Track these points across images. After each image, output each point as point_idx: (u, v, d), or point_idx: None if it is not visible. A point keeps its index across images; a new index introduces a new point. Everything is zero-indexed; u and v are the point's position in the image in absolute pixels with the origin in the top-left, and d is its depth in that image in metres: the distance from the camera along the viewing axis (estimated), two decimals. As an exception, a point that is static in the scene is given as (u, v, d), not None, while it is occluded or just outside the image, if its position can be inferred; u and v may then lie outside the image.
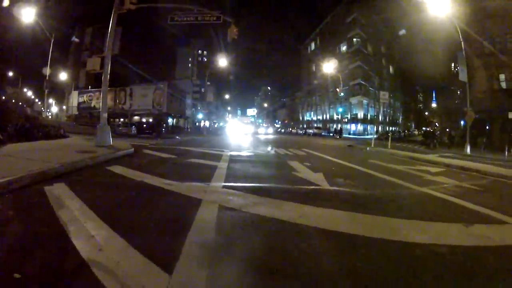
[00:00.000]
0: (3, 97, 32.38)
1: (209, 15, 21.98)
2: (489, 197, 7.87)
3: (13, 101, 42.25)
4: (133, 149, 14.85)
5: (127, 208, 5.42)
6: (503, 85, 39.51)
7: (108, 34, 16.73)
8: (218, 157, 14.09)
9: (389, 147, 26.83)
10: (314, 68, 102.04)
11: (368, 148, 25.52)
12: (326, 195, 7.06)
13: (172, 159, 13.10)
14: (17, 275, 2.84)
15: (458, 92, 51.36)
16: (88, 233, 3.95)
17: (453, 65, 52.66)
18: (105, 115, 16.99)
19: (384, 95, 33.63)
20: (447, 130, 55.37)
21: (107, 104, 50.92)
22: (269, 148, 21.45)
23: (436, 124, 68.79)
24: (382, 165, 13.79)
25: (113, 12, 16.65)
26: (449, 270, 3.38)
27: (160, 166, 11.00)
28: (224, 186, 7.40)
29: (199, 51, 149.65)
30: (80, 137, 21.62)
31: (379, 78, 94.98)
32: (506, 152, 25.78)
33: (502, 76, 39.50)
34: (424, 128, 76.63)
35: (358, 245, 3.98)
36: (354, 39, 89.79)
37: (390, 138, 32.18)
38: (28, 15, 31.36)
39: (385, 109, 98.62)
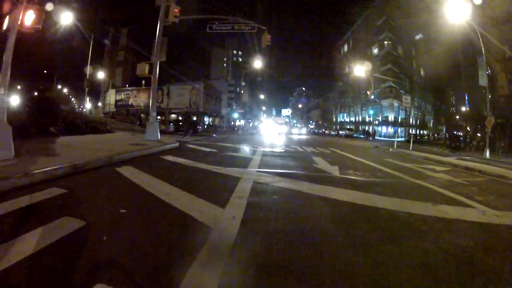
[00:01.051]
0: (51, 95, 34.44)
1: (244, 24, 24.10)
2: (472, 190, 9.36)
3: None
4: (178, 143, 17.13)
5: (187, 181, 7.62)
6: None
7: (156, 43, 19.08)
8: (253, 152, 16.54)
9: (410, 148, 28.33)
10: (347, 70, 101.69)
11: (390, 149, 26.96)
12: (333, 179, 9.25)
13: (213, 152, 15.23)
14: (122, 210, 5.01)
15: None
16: (165, 191, 6.34)
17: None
18: (154, 114, 19.31)
19: (406, 99, 34.79)
20: (476, 134, 55.66)
21: (144, 102, 53.14)
22: (298, 146, 23.38)
23: (468, 128, 68.75)
24: (393, 163, 15.58)
25: (158, 24, 19.06)
26: (402, 225, 5.31)
27: (204, 157, 13.15)
28: (258, 171, 9.79)
29: (234, 51, 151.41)
30: (124, 133, 23.44)
31: (410, 81, 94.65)
32: None
33: None
34: (454, 132, 76.37)
35: (344, 206, 6.14)
36: (385, 42, 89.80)
37: (411, 141, 33.39)
38: (67, 17, 32.49)
39: (416, 112, 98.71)
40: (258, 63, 37.81)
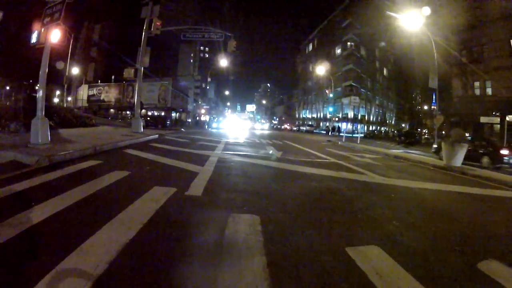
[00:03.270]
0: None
1: (213, 32, 27.84)
2: (379, 167, 13.33)
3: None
4: (158, 135, 20.73)
5: (177, 157, 11.33)
6: (477, 92, 43.02)
7: (140, 51, 22.70)
8: (218, 141, 20.49)
9: (358, 142, 32.64)
10: (310, 68, 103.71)
11: (339, 143, 30.68)
12: (271, 157, 13.57)
13: (188, 142, 18.90)
14: (147, 167, 8.69)
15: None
16: (166, 161, 10.20)
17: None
18: (139, 110, 22.98)
19: (354, 99, 38.77)
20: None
21: (115, 97, 55.43)
22: (256, 139, 27.37)
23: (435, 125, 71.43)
24: (331, 151, 19.73)
25: (143, 35, 22.70)
26: (303, 176, 9.40)
27: (182, 145, 16.88)
28: (222, 152, 13.93)
29: (201, 47, 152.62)
30: (108, 127, 26.07)
31: (372, 80, 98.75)
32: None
33: (476, 84, 42.90)
34: (419, 129, 79.64)
35: (274, 169, 10.29)
36: (348, 43, 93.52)
37: (359, 136, 37.34)
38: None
39: (377, 110, 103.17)
40: (224, 61, 41.09)
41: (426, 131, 69.93)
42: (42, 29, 11.68)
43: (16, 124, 15.75)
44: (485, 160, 20.67)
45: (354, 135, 67.22)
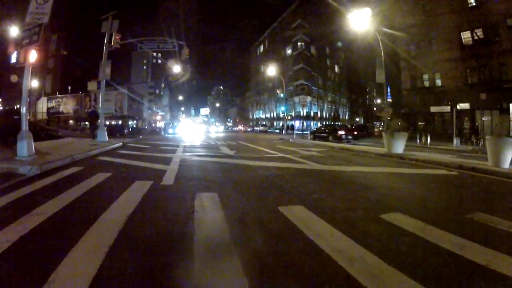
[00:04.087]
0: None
1: (167, 43, 29.69)
2: (321, 158, 15.58)
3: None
4: (121, 143, 22.26)
5: (144, 159, 13.13)
6: (426, 84, 45.70)
7: (102, 64, 24.29)
8: (177, 145, 22.41)
9: (309, 138, 35.37)
10: (262, 69, 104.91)
11: (290, 140, 33.42)
12: (228, 156, 15.65)
13: (149, 147, 20.72)
14: (123, 169, 10.58)
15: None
16: (137, 164, 12.01)
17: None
18: (103, 121, 24.52)
19: (303, 98, 41.46)
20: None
21: (73, 109, 56.24)
22: (212, 141, 29.39)
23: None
24: (281, 148, 22.13)
25: (104, 49, 24.30)
26: (250, 168, 11.53)
27: (146, 150, 18.75)
28: (182, 154, 15.94)
29: (153, 54, 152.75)
30: (73, 138, 26.82)
31: (323, 78, 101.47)
32: (418, 140, 31.40)
33: (425, 76, 45.58)
34: (374, 123, 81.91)
35: (228, 165, 12.33)
36: (298, 43, 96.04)
37: (309, 133, 40.36)
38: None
39: (329, 106, 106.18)
40: (177, 68, 40.92)
41: (381, 124, 72.61)
42: (21, 50, 13.27)
43: None
44: (330, 138, 32.14)
45: (306, 133, 69.78)
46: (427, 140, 29.72)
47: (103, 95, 25.20)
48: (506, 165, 12.12)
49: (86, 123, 64.53)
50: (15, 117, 20.73)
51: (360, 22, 26.00)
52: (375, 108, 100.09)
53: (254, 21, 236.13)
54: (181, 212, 5.69)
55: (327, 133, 34.57)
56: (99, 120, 24.97)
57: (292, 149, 21.17)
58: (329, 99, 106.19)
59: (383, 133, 19.15)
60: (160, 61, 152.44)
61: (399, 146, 17.80)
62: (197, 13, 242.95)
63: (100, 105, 25.64)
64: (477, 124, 36.48)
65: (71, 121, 70.65)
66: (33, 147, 12.53)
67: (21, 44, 13.07)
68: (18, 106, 60.13)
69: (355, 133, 36.15)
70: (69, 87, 76.45)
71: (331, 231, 4.69)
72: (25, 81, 13.23)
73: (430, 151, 21.58)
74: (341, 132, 33.42)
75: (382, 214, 5.63)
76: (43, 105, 74.90)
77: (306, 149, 21.09)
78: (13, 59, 14.01)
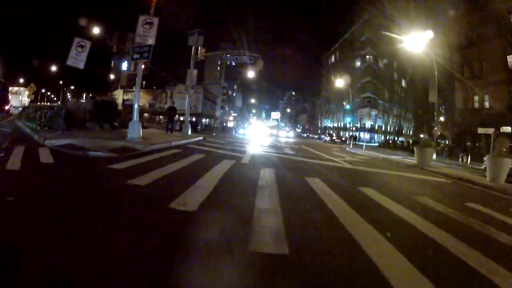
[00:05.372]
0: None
1: (245, 56, 34.25)
2: (355, 162, 19.45)
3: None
4: (202, 137, 26.92)
5: (225, 149, 17.60)
6: (476, 105, 46.31)
7: (188, 73, 29.34)
8: (248, 143, 26.90)
9: (363, 148, 39.06)
10: (332, 79, 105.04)
11: (347, 148, 37.01)
12: (285, 153, 19.93)
13: (226, 143, 24.85)
14: (221, 151, 14.88)
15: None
16: (221, 151, 16.50)
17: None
18: (188, 117, 29.48)
19: (361, 112, 44.63)
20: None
21: (148, 102, 61.39)
22: (279, 143, 33.68)
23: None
24: (333, 153, 25.97)
25: (191, 61, 29.15)
26: (295, 162, 15.92)
27: (223, 144, 22.97)
28: (253, 149, 20.31)
29: (227, 55, 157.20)
30: (153, 129, 31.26)
31: (389, 91, 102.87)
32: (460, 159, 32.47)
33: (475, 98, 46.19)
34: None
35: (286, 158, 16.68)
36: (367, 56, 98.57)
37: (364, 144, 43.72)
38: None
39: (394, 120, 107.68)
40: (251, 74, 42.69)
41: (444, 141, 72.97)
42: (132, 62, 18.23)
43: (91, 124, 21.33)
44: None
45: (368, 144, 72.10)
46: (467, 159, 31.22)
47: (190, 96, 30.08)
48: (502, 181, 14.55)
49: (161, 116, 70.14)
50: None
51: (417, 43, 27.63)
52: (439, 125, 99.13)
53: (327, 31, 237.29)
54: (253, 173, 10.14)
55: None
56: (176, 116, 29.39)
57: (341, 154, 25.19)
58: (394, 113, 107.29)
59: (415, 148, 22.26)
60: (233, 63, 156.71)
61: (427, 159, 20.45)
62: (271, 19, 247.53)
63: (186, 106, 30.90)
64: None
65: (145, 114, 75.40)
66: (141, 132, 17.17)
67: (132, 58, 17.60)
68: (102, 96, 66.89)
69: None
70: (143, 82, 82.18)
71: (326, 190, 8.65)
72: (137, 85, 18.47)
73: (458, 168, 23.23)
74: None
75: (360, 187, 9.55)
76: (119, 96, 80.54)
77: (353, 157, 24.43)
78: (124, 67, 18.91)
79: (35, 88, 57.21)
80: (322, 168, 14.12)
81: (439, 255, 4.45)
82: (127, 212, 5.09)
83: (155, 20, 17.28)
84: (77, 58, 17.68)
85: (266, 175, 9.99)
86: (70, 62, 17.54)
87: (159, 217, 4.93)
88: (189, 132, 28.05)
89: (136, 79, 18.50)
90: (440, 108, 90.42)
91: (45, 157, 9.87)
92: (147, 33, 17.01)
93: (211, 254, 3.70)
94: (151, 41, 16.95)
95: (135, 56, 17.27)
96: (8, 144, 12.57)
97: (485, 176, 15.58)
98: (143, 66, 18.40)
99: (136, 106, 18.09)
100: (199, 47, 29.26)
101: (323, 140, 79.92)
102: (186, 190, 6.66)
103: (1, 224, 4.01)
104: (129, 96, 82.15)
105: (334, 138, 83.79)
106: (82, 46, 17.80)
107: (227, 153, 16.07)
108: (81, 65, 17.76)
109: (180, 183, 7.38)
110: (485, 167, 17.32)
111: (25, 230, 3.84)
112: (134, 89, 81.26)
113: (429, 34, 26.68)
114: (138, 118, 17.57)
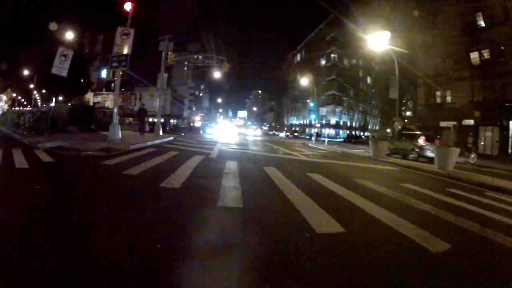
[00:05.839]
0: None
1: (212, 58, 36.28)
2: (313, 155, 21.58)
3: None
4: (173, 137, 28.62)
5: (195, 147, 19.45)
6: (438, 100, 48.98)
7: (159, 77, 31.21)
8: (216, 142, 28.68)
9: (326, 143, 41.81)
10: (298, 78, 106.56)
11: (310, 144, 38.91)
12: (249, 149, 22.05)
13: (195, 141, 26.93)
14: (192, 148, 16.95)
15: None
16: (192, 148, 18.48)
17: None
18: (160, 119, 31.30)
19: (322, 110, 46.90)
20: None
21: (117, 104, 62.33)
22: (244, 141, 35.53)
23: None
24: (293, 147, 28.38)
25: (162, 65, 31.11)
26: (258, 156, 18.11)
27: (193, 143, 24.83)
28: (220, 146, 22.27)
29: (194, 55, 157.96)
30: (126, 131, 31.44)
31: (355, 89, 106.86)
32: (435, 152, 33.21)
33: (438, 93, 48.85)
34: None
35: (247, 153, 18.83)
36: (332, 55, 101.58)
37: (325, 138, 48.95)
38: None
39: (359, 116, 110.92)
40: (217, 74, 43.59)
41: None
42: (111, 69, 20.23)
43: (72, 127, 23.10)
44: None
45: (333, 140, 74.70)
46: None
47: (162, 100, 32.01)
48: (449, 167, 16.49)
49: (130, 118, 71.09)
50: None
51: (379, 43, 29.40)
52: (406, 120, 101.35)
53: (293, 30, 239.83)
54: (220, 165, 12.19)
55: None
56: (146, 118, 31.26)
57: (302, 149, 27.28)
58: (360, 109, 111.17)
59: (369, 141, 24.41)
60: (200, 64, 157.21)
61: (380, 151, 22.70)
62: (237, 20, 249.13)
63: (158, 108, 32.84)
64: (471, 139, 40.49)
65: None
66: (120, 133, 19.18)
67: (111, 66, 19.50)
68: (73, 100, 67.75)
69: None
70: (112, 85, 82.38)
71: (278, 174, 10.84)
72: (116, 91, 20.23)
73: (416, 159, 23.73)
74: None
75: (308, 173, 11.77)
76: (90, 98, 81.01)
77: (313, 151, 26.52)
78: (104, 75, 21.01)
79: (12, 94, 57.77)
80: (280, 160, 16.29)
81: (346, 206, 6.90)
82: (131, 190, 7.16)
83: (131, 31, 19.25)
84: (61, 66, 19.26)
85: (231, 165, 12.10)
86: (54, 70, 19.05)
87: (155, 192, 7.01)
88: (161, 133, 29.78)
89: (115, 84, 20.54)
90: (408, 103, 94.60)
91: (45, 157, 11.47)
92: (124, 43, 18.99)
93: (193, 210, 5.89)
94: (128, 50, 18.93)
95: (114, 64, 19.13)
96: (4, 147, 13.74)
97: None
98: (120, 74, 20.29)
99: (115, 110, 20.00)
100: (169, 52, 31.02)
101: (279, 136, 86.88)
102: (169, 176, 8.80)
103: (40, 202, 5.87)
104: (99, 98, 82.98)
105: (288, 134, 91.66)
106: (65, 55, 19.36)
107: (197, 150, 17.97)
108: (64, 73, 19.44)
109: (164, 172, 9.39)
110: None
111: (60, 204, 5.89)
112: (104, 91, 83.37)
113: (386, 34, 28.58)
114: (117, 121, 19.54)
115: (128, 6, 19.45)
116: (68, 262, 3.42)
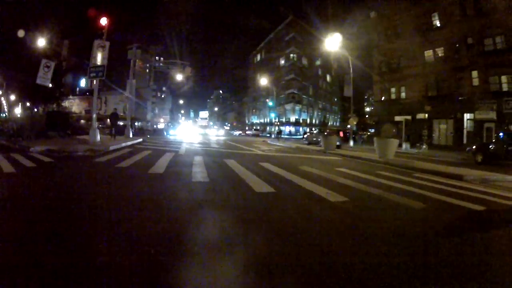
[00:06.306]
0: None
1: (176, 63, 38.79)
2: (269, 151, 24.41)
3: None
4: (142, 139, 30.98)
5: (164, 146, 22.22)
6: (393, 96, 51.84)
7: (129, 83, 33.43)
8: (182, 142, 31.31)
9: (284, 140, 44.88)
10: (259, 77, 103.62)
11: (268, 141, 42.21)
12: (212, 147, 24.99)
13: (163, 142, 29.64)
14: (162, 148, 19.63)
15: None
16: (162, 147, 21.23)
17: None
18: (130, 122, 33.48)
19: (279, 110, 49.86)
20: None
21: (86, 109, 63.58)
22: (207, 140, 37.98)
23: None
24: (252, 144, 31.29)
25: (130, 72, 33.45)
26: (220, 152, 21.00)
27: (161, 143, 27.52)
28: (187, 145, 25.10)
29: (157, 57, 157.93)
30: (102, 135, 33.67)
31: (314, 87, 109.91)
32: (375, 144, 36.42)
33: (392, 89, 51.72)
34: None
35: (210, 150, 21.82)
36: (291, 55, 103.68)
37: (280, 135, 51.27)
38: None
39: (319, 113, 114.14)
40: (179, 77, 45.05)
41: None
42: (89, 79, 22.51)
43: (51, 132, 25.10)
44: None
45: (294, 137, 77.14)
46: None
47: (133, 104, 34.35)
48: (388, 156, 18.07)
49: (97, 122, 72.06)
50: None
51: (333, 44, 31.27)
52: (367, 116, 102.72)
53: (254, 30, 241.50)
54: (189, 159, 15.02)
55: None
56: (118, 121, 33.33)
57: (260, 146, 30.07)
58: (319, 106, 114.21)
59: (321, 136, 27.19)
60: (161, 65, 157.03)
61: (330, 145, 25.31)
62: (199, 20, 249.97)
63: (128, 112, 35.17)
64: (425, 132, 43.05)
65: (82, 121, 76.42)
66: (99, 137, 21.56)
67: (89, 76, 21.94)
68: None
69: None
70: (77, 89, 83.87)
71: (235, 164, 13.72)
72: (95, 99, 22.59)
73: (369, 151, 24.69)
74: None
75: (260, 162, 14.66)
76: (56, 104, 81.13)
77: (270, 147, 29.11)
78: (83, 84, 23.37)
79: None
80: (239, 155, 19.06)
81: (282, 180, 9.94)
82: (126, 176, 10.09)
83: (107, 44, 21.59)
84: (45, 77, 21.31)
85: (198, 159, 14.98)
86: (39, 81, 21.13)
87: (145, 176, 9.92)
88: (131, 135, 31.98)
89: (94, 94, 22.96)
90: (370, 98, 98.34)
91: (44, 158, 13.36)
92: (101, 55, 21.33)
93: (176, 183, 8.94)
94: (104, 62, 21.30)
95: (92, 74, 21.49)
96: (1, 152, 14.72)
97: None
98: (98, 82, 22.71)
99: (94, 116, 22.57)
100: (137, 60, 33.28)
101: (233, 134, 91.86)
102: (152, 166, 11.74)
103: (66, 188, 8.97)
104: (66, 103, 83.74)
105: (241, 132, 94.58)
106: (48, 66, 21.49)
107: (167, 148, 20.65)
108: (47, 83, 21.64)
109: (147, 164, 12.22)
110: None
111: (79, 186, 9.02)
112: (71, 97, 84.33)
113: (337, 36, 30.64)
114: (96, 126, 22.19)
115: (104, 21, 21.70)
116: (87, 223, 5.40)
